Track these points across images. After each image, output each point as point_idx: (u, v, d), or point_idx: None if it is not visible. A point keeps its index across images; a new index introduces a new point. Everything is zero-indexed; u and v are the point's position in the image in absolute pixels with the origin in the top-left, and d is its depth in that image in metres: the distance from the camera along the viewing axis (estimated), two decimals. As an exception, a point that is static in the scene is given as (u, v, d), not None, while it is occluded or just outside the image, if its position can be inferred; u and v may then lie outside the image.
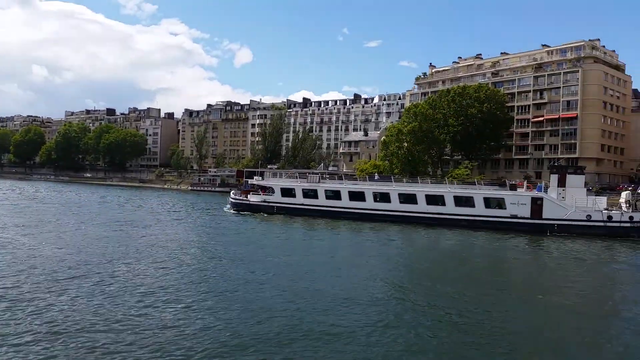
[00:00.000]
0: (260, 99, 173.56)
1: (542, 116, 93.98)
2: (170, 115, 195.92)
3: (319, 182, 51.48)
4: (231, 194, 58.52)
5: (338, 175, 65.96)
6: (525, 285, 21.40)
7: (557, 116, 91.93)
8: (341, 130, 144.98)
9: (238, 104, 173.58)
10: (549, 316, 16.17)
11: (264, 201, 51.99)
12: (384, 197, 46.63)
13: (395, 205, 45.58)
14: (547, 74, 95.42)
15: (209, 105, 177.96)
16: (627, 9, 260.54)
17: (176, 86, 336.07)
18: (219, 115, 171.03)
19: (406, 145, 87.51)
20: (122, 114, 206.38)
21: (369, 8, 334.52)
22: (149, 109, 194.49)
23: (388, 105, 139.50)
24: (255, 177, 57.95)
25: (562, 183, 39.98)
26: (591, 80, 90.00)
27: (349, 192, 48.42)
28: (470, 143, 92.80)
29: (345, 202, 47.95)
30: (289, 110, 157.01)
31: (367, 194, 47.37)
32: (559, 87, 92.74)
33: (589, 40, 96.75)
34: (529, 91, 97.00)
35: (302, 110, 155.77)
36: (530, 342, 13.14)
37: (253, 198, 53.29)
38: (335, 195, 49.08)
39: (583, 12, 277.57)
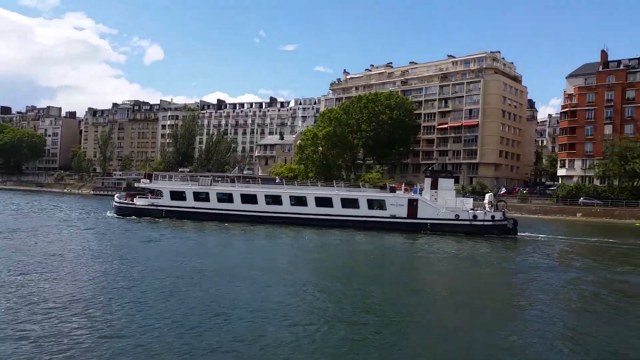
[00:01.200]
0: (172, 99, 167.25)
1: (447, 124, 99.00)
2: (72, 115, 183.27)
3: (210, 184, 50.56)
4: (115, 197, 55.23)
5: (254, 179, 65.03)
6: (401, 278, 22.99)
7: (460, 124, 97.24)
8: (257, 133, 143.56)
9: (147, 103, 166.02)
10: (421, 302, 17.86)
11: (152, 205, 49.89)
12: (275, 200, 47.14)
13: (286, 207, 46.32)
14: (452, 84, 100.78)
15: (114, 105, 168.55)
16: (524, 23, 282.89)
17: (80, 84, 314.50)
18: (125, 115, 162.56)
19: (321, 149, 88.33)
20: (18, 112, 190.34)
21: (284, 11, 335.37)
22: (48, 107, 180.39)
23: (304, 109, 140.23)
24: (142, 180, 55.14)
25: (434, 186, 43.43)
26: (492, 90, 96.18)
27: (242, 194, 48.02)
28: (381, 148, 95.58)
29: (237, 204, 47.62)
30: (202, 112, 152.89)
31: (259, 197, 47.44)
32: (463, 96, 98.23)
33: (491, 52, 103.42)
34: (435, 100, 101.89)
35: (216, 112, 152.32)
36: (418, 331, 13.35)
37: (139, 201, 51.02)
38: (227, 198, 48.49)
39: (486, 25, 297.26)
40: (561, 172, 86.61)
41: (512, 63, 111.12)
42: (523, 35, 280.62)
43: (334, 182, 54.24)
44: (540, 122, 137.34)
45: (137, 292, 17.23)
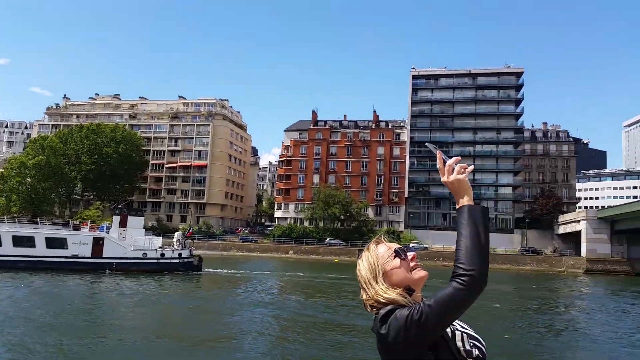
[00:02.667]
0: None
1: (176, 163, 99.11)
2: None
3: None
4: None
5: None
6: (77, 323, 20.98)
7: (189, 164, 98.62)
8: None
9: None
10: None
11: None
12: None
13: None
14: (182, 124, 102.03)
15: None
16: (251, 77, 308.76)
17: None
18: None
19: (30, 180, 76.79)
20: None
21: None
22: None
23: (10, 133, 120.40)
24: None
25: (123, 224, 43.38)
26: (220, 135, 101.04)
27: None
28: (103, 183, 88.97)
29: None
30: None
31: None
32: (193, 137, 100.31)
33: (220, 99, 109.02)
34: (165, 138, 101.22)
35: None
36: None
37: None
38: None
39: (217, 73, 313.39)
40: (278, 214, 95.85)
41: (239, 112, 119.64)
42: (247, 86, 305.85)
43: (38, 219, 47.87)
44: (262, 168, 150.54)
45: None
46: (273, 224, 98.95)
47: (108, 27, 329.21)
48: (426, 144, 2.32)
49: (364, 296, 1.89)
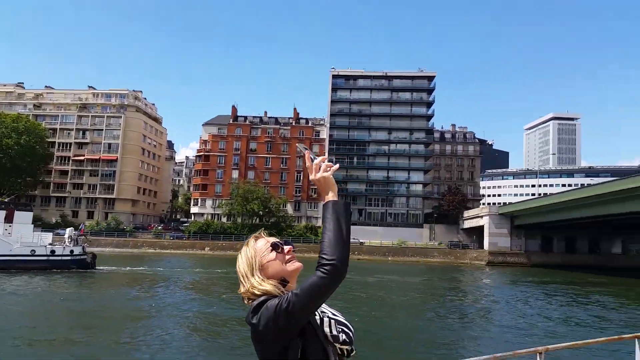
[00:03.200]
0: None
1: (84, 155, 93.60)
2: None
3: None
4: None
5: None
6: None
7: (98, 157, 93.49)
8: None
9: None
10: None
11: None
12: None
13: None
14: (92, 115, 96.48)
15: None
16: (168, 70, 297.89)
17: None
18: None
19: None
20: None
21: None
22: None
23: None
24: None
25: (9, 219, 41.25)
26: (132, 127, 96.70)
27: None
28: (3, 176, 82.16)
29: None
30: None
31: None
32: (102, 130, 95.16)
33: (133, 90, 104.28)
34: (72, 129, 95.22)
35: None
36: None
37: None
38: None
39: (129, 64, 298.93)
40: (194, 209, 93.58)
41: (154, 104, 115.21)
42: (160, 78, 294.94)
43: None
44: (179, 162, 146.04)
45: None
46: (189, 220, 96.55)
47: (13, 8, 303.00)
48: (297, 144, 2.45)
49: (242, 289, 1.99)
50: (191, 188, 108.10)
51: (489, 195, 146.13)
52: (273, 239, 2.07)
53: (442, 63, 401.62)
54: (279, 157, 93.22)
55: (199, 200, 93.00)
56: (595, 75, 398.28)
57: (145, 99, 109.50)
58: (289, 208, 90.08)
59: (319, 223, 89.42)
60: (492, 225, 74.81)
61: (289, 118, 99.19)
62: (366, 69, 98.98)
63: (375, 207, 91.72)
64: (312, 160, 2.10)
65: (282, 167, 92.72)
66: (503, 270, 63.47)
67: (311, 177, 2.08)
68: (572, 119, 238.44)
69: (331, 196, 2.00)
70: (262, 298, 1.87)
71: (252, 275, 1.96)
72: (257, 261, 1.99)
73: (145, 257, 62.88)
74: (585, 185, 79.54)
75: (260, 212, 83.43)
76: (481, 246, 77.05)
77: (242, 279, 1.99)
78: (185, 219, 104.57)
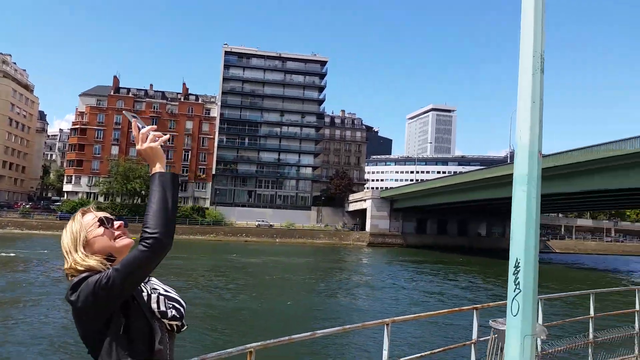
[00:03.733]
0: None
1: None
2: None
3: None
4: None
5: None
6: None
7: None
8: None
9: None
10: None
11: None
12: None
13: None
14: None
15: None
16: (40, 33, 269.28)
17: None
18: None
19: None
20: None
21: None
22: None
23: None
24: None
25: None
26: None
27: None
28: None
29: None
30: None
31: None
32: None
33: (1, 53, 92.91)
34: None
35: None
36: None
37: None
38: None
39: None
40: (67, 187, 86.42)
41: (25, 70, 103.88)
42: (35, 41, 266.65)
43: None
44: (52, 135, 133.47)
45: None
46: (61, 198, 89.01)
47: None
48: (123, 112, 2.30)
49: (65, 266, 1.87)
50: (65, 164, 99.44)
51: (373, 180, 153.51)
52: (102, 214, 2.01)
53: (335, 51, 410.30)
54: (166, 134, 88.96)
55: (73, 177, 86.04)
56: (471, 72, 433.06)
57: (15, 63, 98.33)
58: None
59: (207, 204, 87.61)
60: (374, 209, 78.85)
61: (178, 93, 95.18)
62: (260, 48, 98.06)
63: (266, 188, 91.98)
64: (140, 130, 2.02)
65: (169, 145, 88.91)
66: (382, 250, 67.43)
67: (137, 147, 2.00)
68: (449, 111, 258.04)
69: (158, 168, 1.95)
70: (84, 274, 1.79)
71: (76, 251, 1.87)
72: (82, 236, 1.90)
73: (10, 237, 57.14)
74: (458, 172, 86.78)
75: (143, 192, 79.47)
76: (364, 228, 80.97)
77: (65, 254, 1.89)
78: (58, 198, 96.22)
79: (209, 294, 24.25)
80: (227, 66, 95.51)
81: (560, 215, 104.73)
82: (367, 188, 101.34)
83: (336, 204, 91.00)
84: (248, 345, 3.24)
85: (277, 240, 73.57)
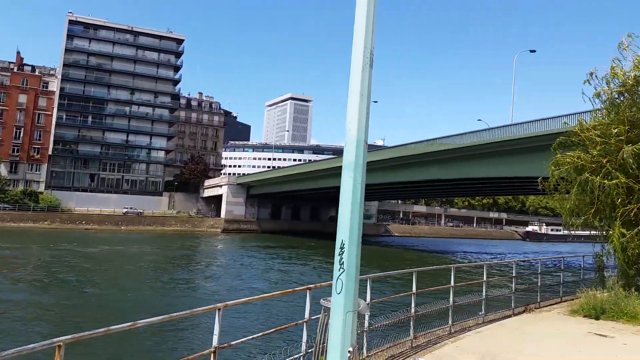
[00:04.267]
0: None
1: None
2: None
3: None
4: None
5: None
6: None
7: None
8: None
9: None
10: None
11: None
12: None
13: None
14: None
15: None
16: None
17: None
18: None
19: None
20: None
21: None
22: None
23: None
24: None
25: None
26: None
27: None
28: None
29: None
30: None
31: None
32: None
33: None
34: None
35: None
36: None
37: None
38: None
39: None
40: None
41: None
42: None
43: None
44: None
45: None
46: None
47: None
48: None
49: None
50: None
51: (230, 166, 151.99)
52: None
53: (194, 33, 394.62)
54: (-7, 107, 78.01)
55: None
56: (327, 64, 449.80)
57: None
58: (3, 169, 76.47)
59: (42, 188, 78.65)
60: (230, 195, 78.22)
61: (10, 63, 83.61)
62: (110, 20, 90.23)
63: (111, 172, 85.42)
64: None
65: (-2, 120, 77.94)
66: (236, 237, 67.33)
67: None
68: (306, 101, 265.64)
69: None
70: None
71: None
72: None
73: None
74: (312, 161, 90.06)
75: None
76: (219, 215, 79.90)
77: None
78: None
79: (32, 287, 21.98)
80: (70, 36, 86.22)
81: (399, 202, 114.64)
82: (224, 174, 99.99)
83: (190, 190, 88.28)
84: (55, 340, 2.95)
85: (122, 227, 69.01)
